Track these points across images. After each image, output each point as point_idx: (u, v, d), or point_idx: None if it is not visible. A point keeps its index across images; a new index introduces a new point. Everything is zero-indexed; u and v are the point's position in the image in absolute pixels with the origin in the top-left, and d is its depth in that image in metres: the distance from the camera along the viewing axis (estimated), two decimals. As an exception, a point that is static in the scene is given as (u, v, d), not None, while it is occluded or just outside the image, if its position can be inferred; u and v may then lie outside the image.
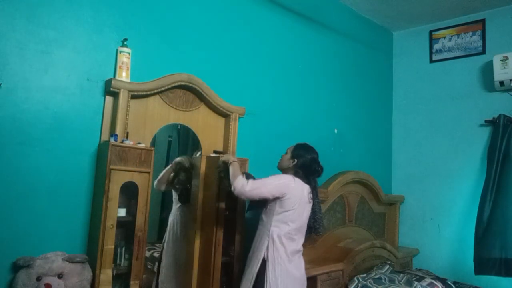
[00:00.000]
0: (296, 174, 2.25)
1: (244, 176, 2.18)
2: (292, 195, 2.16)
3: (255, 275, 2.17)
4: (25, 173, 1.99)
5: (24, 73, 2.01)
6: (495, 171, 3.49)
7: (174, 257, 2.55)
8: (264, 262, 2.14)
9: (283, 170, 2.35)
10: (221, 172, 2.33)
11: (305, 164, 2.28)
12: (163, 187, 2.54)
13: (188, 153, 2.71)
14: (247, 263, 2.27)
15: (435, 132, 4.07)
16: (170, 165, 2.55)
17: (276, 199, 2.16)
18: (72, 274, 1.94)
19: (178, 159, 2.56)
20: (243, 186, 2.10)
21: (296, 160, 2.28)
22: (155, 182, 2.47)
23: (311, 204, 2.30)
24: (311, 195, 2.28)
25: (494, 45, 3.75)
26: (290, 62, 3.33)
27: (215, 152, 2.52)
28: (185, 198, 2.54)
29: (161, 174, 2.52)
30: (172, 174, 2.54)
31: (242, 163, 2.61)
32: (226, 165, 2.28)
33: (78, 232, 2.15)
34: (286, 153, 2.36)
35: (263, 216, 2.24)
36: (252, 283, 2.17)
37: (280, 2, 3.23)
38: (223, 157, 2.33)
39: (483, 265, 3.42)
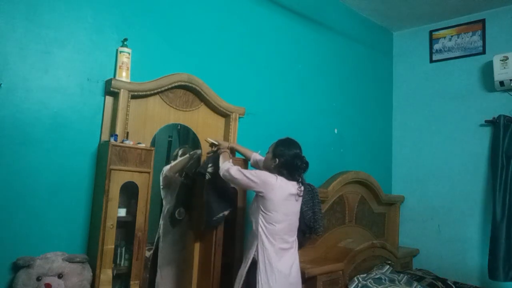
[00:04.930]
0: (280, 174, 2.19)
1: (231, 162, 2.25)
2: (273, 195, 2.12)
3: (244, 275, 2.17)
4: (25, 173, 1.99)
5: (24, 73, 2.01)
6: (501, 173, 3.46)
7: (172, 258, 2.54)
8: (254, 263, 2.13)
9: (268, 170, 2.30)
10: (211, 155, 2.42)
11: (287, 162, 2.20)
12: (170, 175, 2.53)
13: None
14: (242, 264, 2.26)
15: (435, 132, 4.07)
16: (188, 155, 2.56)
17: (258, 197, 2.16)
18: (72, 274, 1.94)
19: (195, 151, 2.59)
20: (229, 169, 2.19)
21: (277, 160, 2.21)
22: (167, 168, 2.50)
23: (300, 200, 2.26)
24: (300, 192, 2.21)
25: (494, 45, 3.75)
26: (290, 62, 3.33)
27: (207, 141, 2.55)
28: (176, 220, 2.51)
29: (176, 162, 2.54)
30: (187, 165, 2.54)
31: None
32: (215, 152, 2.38)
33: (78, 232, 2.15)
34: (268, 152, 2.30)
35: (251, 217, 2.24)
36: (241, 284, 2.17)
37: (280, 2, 3.23)
38: (220, 142, 2.45)
39: (499, 272, 3.33)
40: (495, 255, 3.38)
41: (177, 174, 2.55)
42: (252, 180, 2.14)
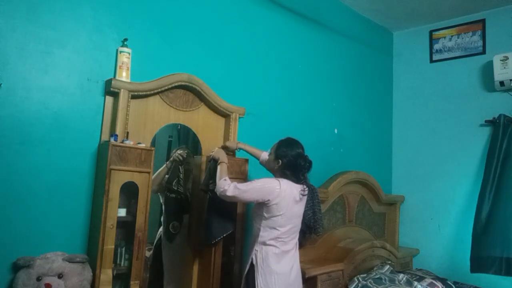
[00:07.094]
0: (284, 176, 2.17)
1: (228, 178, 2.16)
2: (279, 201, 2.08)
3: (243, 279, 2.17)
4: (25, 173, 1.99)
5: (24, 73, 2.01)
6: (495, 170, 3.49)
7: (172, 258, 2.54)
8: (252, 266, 2.11)
9: (271, 172, 2.28)
10: (210, 168, 2.33)
11: (290, 163, 2.16)
12: (154, 188, 2.43)
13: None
14: None
15: (435, 132, 4.07)
16: (164, 165, 2.50)
17: (262, 204, 2.12)
18: (72, 274, 1.94)
19: (175, 155, 2.50)
20: (225, 190, 2.10)
21: (280, 161, 2.18)
22: None
23: (304, 200, 2.23)
24: (303, 192, 2.19)
25: (494, 45, 3.76)
26: (290, 62, 3.33)
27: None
28: (172, 235, 2.46)
29: (155, 175, 2.43)
30: (166, 175, 2.47)
31: (242, 163, 2.61)
32: (215, 162, 2.29)
33: (78, 232, 2.14)
34: (270, 154, 2.27)
35: (253, 221, 2.22)
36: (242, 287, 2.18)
37: (280, 2, 3.23)
38: (215, 154, 2.33)
39: (481, 263, 3.43)
40: (477, 250, 3.44)
41: (159, 186, 2.48)
42: (254, 194, 2.10)
